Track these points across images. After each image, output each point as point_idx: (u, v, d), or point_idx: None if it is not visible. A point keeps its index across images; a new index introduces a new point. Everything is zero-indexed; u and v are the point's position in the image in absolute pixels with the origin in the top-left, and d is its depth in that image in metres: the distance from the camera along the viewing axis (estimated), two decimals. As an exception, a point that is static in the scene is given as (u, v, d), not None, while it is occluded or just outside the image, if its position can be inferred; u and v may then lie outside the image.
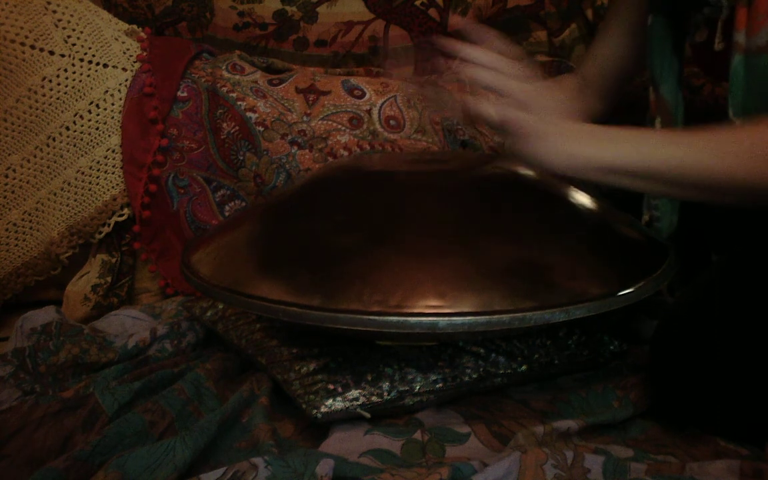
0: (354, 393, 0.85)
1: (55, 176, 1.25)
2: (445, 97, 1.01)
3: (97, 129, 1.25)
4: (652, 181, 0.77)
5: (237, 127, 1.26)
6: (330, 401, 0.84)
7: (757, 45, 0.85)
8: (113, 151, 1.25)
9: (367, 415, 0.84)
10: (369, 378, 0.86)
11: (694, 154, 0.76)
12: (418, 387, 0.87)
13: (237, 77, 1.30)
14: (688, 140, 0.77)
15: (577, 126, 0.81)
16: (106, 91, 1.26)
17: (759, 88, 0.87)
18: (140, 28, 1.33)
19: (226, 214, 1.27)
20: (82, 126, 1.25)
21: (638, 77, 1.08)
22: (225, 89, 1.28)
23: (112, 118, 1.25)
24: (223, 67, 1.31)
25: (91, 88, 1.25)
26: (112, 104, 1.26)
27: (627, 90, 1.05)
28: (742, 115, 0.88)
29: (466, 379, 0.89)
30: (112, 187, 1.26)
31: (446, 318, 0.75)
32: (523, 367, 0.92)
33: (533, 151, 0.76)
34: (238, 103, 1.27)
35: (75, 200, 1.25)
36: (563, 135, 0.77)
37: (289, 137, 1.27)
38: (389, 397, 0.86)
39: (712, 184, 0.76)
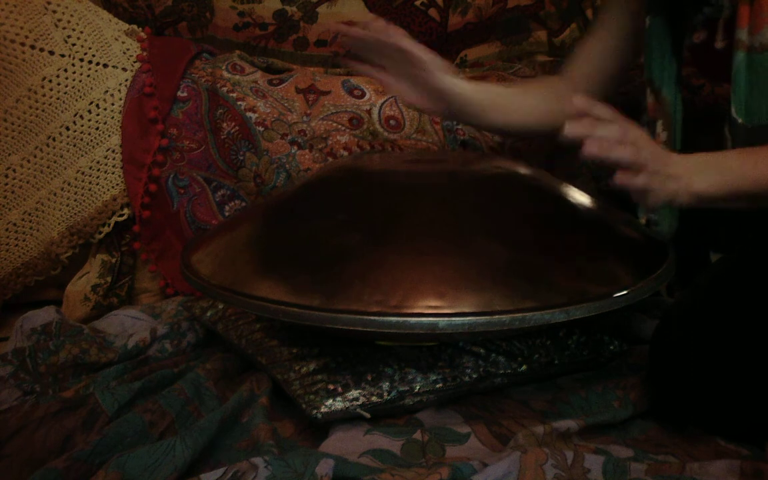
0: (354, 393, 0.85)
1: (55, 176, 1.25)
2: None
3: (97, 129, 1.25)
4: (747, 199, 0.82)
5: (237, 127, 1.26)
6: (330, 401, 0.84)
7: (761, 42, 0.85)
8: (113, 151, 1.25)
9: (367, 415, 0.84)
10: (369, 378, 0.86)
11: None
12: (418, 387, 0.87)
13: (237, 77, 1.30)
14: None
15: (696, 161, 0.84)
16: (106, 91, 1.26)
17: (762, 85, 0.87)
18: (140, 28, 1.33)
19: (226, 214, 1.27)
20: (82, 126, 1.25)
21: (624, 84, 1.08)
22: (225, 89, 1.28)
23: (112, 118, 1.25)
24: (223, 67, 1.31)
25: (91, 88, 1.25)
26: (112, 104, 1.26)
27: (613, 94, 1.05)
28: (745, 112, 0.88)
29: (466, 379, 0.89)
30: (112, 187, 1.25)
31: (446, 318, 0.75)
32: (523, 367, 0.92)
33: (667, 197, 0.81)
34: (238, 103, 1.27)
35: (75, 200, 1.25)
36: (689, 177, 0.81)
37: (289, 137, 1.27)
38: (389, 397, 0.86)
39: None
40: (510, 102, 1.08)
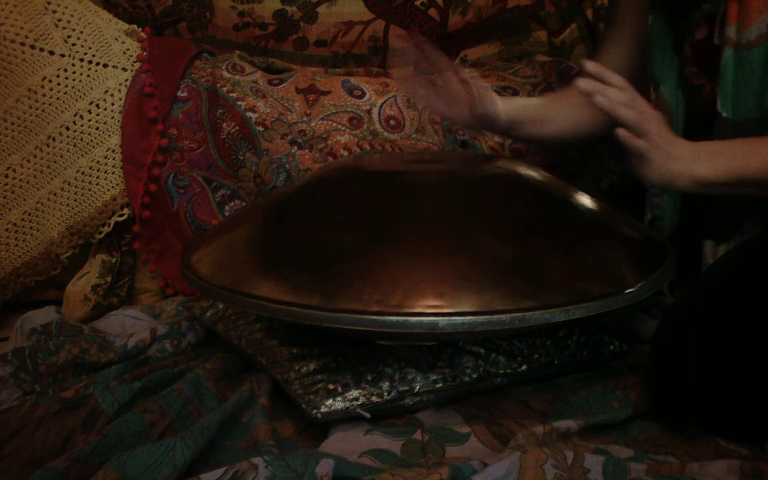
0: (354, 393, 0.85)
1: (55, 176, 1.25)
2: (444, 96, 1.03)
3: (97, 129, 1.25)
4: (748, 186, 0.84)
5: (237, 127, 1.26)
6: (330, 401, 0.84)
7: (748, 39, 0.86)
8: (113, 151, 1.25)
9: (367, 415, 0.84)
10: (369, 378, 0.86)
11: None
12: (418, 387, 0.87)
13: (237, 77, 1.30)
14: None
15: (700, 147, 0.85)
16: (106, 91, 1.26)
17: (748, 82, 0.87)
18: (140, 28, 1.33)
19: (226, 214, 1.27)
20: (82, 126, 1.25)
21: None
22: (225, 89, 1.28)
23: (112, 118, 1.25)
24: (223, 67, 1.31)
25: (91, 88, 1.25)
26: (112, 104, 1.26)
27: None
28: (732, 108, 0.89)
29: (466, 379, 0.89)
30: (112, 187, 1.26)
31: (446, 318, 0.75)
32: (523, 367, 0.92)
33: (668, 176, 0.84)
34: (238, 103, 1.27)
35: (75, 200, 1.25)
36: (692, 161, 0.83)
37: (289, 137, 1.27)
38: (389, 397, 0.86)
39: None
40: (546, 114, 1.11)
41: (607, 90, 0.82)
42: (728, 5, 0.88)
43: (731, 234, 0.95)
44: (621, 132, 0.82)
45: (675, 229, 1.03)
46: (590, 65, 0.85)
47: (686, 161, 0.83)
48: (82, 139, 1.25)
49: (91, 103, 1.25)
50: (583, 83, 0.82)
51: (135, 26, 1.33)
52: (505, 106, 1.05)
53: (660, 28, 1.00)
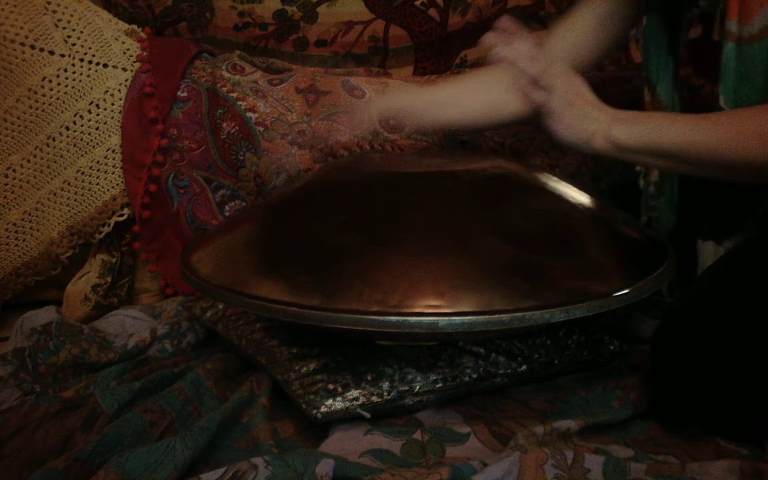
0: (354, 393, 0.85)
1: (55, 176, 1.25)
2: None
3: (97, 129, 1.25)
4: (684, 162, 0.84)
5: (237, 127, 1.27)
6: (330, 401, 0.84)
7: (750, 33, 0.86)
8: (113, 151, 1.25)
9: (367, 415, 0.84)
10: (369, 378, 0.86)
11: (723, 137, 0.82)
12: (418, 387, 0.87)
13: (237, 77, 1.30)
14: (714, 122, 0.84)
15: (620, 112, 0.86)
16: (106, 91, 1.26)
17: (750, 76, 0.87)
18: (140, 28, 1.33)
19: (226, 214, 1.27)
20: (82, 126, 1.25)
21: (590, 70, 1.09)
22: (225, 89, 1.28)
23: (112, 118, 1.25)
24: (223, 67, 1.31)
25: (91, 88, 1.25)
26: (112, 104, 1.26)
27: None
28: (734, 103, 0.89)
29: (466, 379, 0.89)
30: (112, 187, 1.26)
31: (446, 318, 0.75)
32: (523, 367, 0.92)
33: (582, 135, 0.85)
34: (238, 103, 1.27)
35: (75, 200, 1.25)
36: (609, 122, 0.85)
37: (289, 137, 1.27)
38: (389, 397, 0.86)
39: (722, 161, 0.81)
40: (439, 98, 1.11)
41: (512, 40, 0.83)
42: (729, 0, 0.88)
43: (731, 234, 0.95)
44: (524, 86, 0.83)
45: (672, 229, 1.03)
46: (503, 22, 0.86)
47: (603, 123, 0.84)
48: (82, 139, 1.25)
49: (91, 103, 1.25)
50: (488, 37, 0.83)
51: (135, 26, 1.33)
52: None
53: (654, 29, 1.00)
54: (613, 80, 1.31)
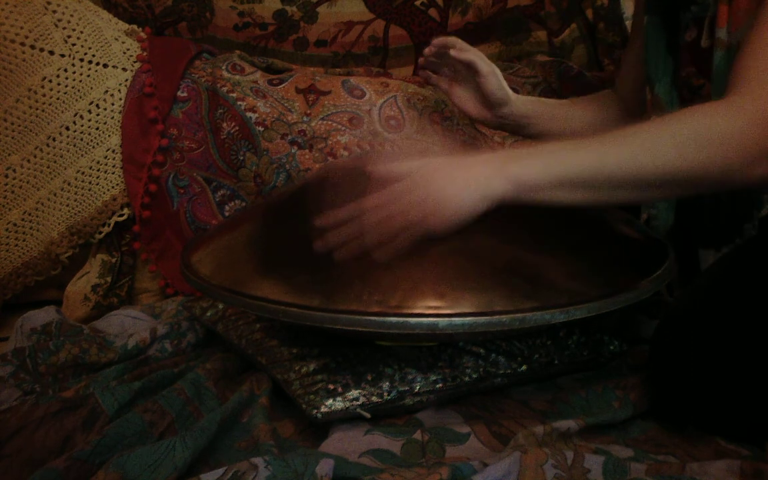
0: (354, 393, 0.85)
1: (55, 176, 1.25)
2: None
3: (97, 129, 1.25)
4: (600, 189, 0.77)
5: (237, 127, 1.27)
6: (330, 401, 0.84)
7: (738, 41, 0.86)
8: (113, 151, 1.25)
9: (367, 415, 0.84)
10: (369, 378, 0.86)
11: (636, 153, 0.75)
12: (418, 387, 0.87)
13: (237, 77, 1.30)
14: (624, 139, 0.76)
15: (515, 150, 0.81)
16: (106, 91, 1.26)
17: None
18: (140, 28, 1.33)
19: (226, 214, 1.27)
20: (82, 126, 1.25)
21: None
22: (225, 89, 1.28)
23: (112, 118, 1.25)
24: (223, 67, 1.31)
25: (91, 88, 1.25)
26: (112, 104, 1.26)
27: None
28: None
29: (466, 379, 0.89)
30: (112, 187, 1.26)
31: (446, 319, 0.75)
32: (523, 368, 0.92)
33: (472, 187, 0.76)
34: (238, 103, 1.27)
35: (75, 200, 1.25)
36: (503, 163, 0.77)
37: (289, 137, 1.27)
38: (389, 397, 0.86)
39: (641, 179, 0.75)
40: (560, 112, 1.14)
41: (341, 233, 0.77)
42: (718, 7, 0.88)
43: (730, 241, 0.95)
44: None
45: (671, 228, 1.03)
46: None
47: (495, 167, 0.76)
48: (82, 139, 1.25)
49: (91, 103, 1.25)
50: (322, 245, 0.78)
51: (135, 26, 1.33)
52: (517, 98, 1.08)
53: (654, 29, 1.00)
54: (613, 80, 1.31)
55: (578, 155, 0.76)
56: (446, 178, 0.77)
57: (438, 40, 1.13)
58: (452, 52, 1.10)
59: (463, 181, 0.76)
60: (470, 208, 0.77)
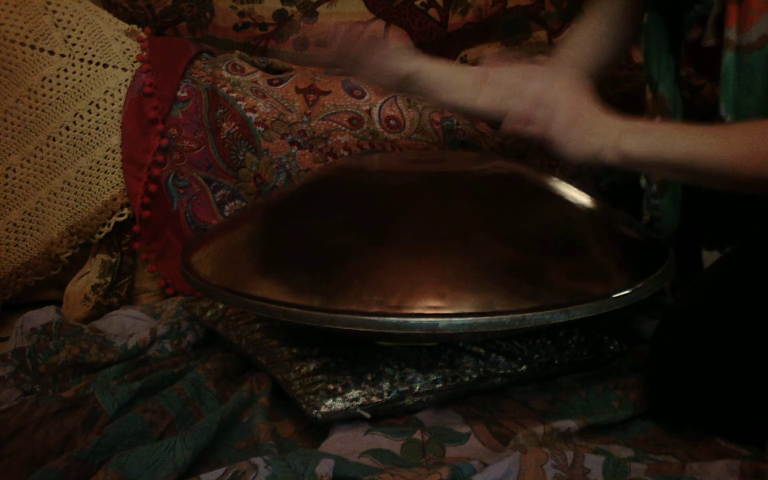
0: (354, 393, 0.85)
1: (55, 176, 1.25)
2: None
3: (97, 129, 1.25)
4: (695, 175, 0.82)
5: (237, 127, 1.26)
6: (330, 401, 0.84)
7: (749, 41, 0.85)
8: (113, 151, 1.25)
9: (367, 415, 0.84)
10: (369, 378, 0.86)
11: (735, 151, 0.80)
12: (418, 387, 0.87)
13: (237, 77, 1.30)
14: (725, 134, 0.83)
15: (629, 122, 0.86)
16: (106, 91, 1.26)
17: (750, 85, 0.87)
18: (140, 28, 1.33)
19: (226, 214, 1.27)
20: (82, 126, 1.25)
21: (610, 71, 1.09)
22: (225, 89, 1.28)
23: (112, 118, 1.25)
24: (223, 67, 1.31)
25: (91, 88, 1.25)
26: (112, 104, 1.26)
27: (602, 83, 1.06)
28: (734, 111, 0.88)
29: (466, 379, 0.89)
30: (112, 187, 1.26)
31: (446, 318, 0.75)
32: (523, 368, 0.92)
33: (591, 151, 0.84)
34: (238, 103, 1.27)
35: (75, 200, 1.25)
36: (618, 135, 0.83)
37: (289, 137, 1.27)
38: (389, 397, 0.86)
39: (735, 177, 0.80)
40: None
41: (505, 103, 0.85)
42: (728, 7, 0.88)
43: (734, 242, 0.95)
44: (505, 129, 0.85)
45: (675, 229, 1.02)
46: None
47: (611, 136, 0.83)
48: (82, 139, 1.25)
49: (91, 103, 1.25)
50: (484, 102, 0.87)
51: (135, 26, 1.33)
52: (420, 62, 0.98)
53: (655, 28, 1.00)
54: (614, 80, 1.31)
55: (684, 143, 0.82)
56: (584, 123, 0.85)
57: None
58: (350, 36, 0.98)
59: (583, 141, 0.85)
60: (583, 158, 0.85)
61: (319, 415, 0.83)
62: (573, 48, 1.07)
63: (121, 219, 1.26)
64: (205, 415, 0.85)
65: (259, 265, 0.87)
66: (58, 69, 1.24)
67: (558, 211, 0.92)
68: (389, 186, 0.92)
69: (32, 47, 1.24)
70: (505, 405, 0.90)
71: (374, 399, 0.85)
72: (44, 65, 1.24)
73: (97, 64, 1.26)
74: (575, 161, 0.86)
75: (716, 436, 0.80)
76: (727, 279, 0.85)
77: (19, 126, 1.24)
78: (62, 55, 1.24)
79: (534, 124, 0.86)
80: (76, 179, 1.25)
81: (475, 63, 1.44)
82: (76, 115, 1.24)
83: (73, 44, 1.25)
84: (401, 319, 0.75)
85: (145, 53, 1.29)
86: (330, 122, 1.28)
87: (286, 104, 1.29)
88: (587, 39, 1.07)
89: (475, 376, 0.89)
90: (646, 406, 0.86)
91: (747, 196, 0.89)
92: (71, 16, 1.26)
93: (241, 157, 1.26)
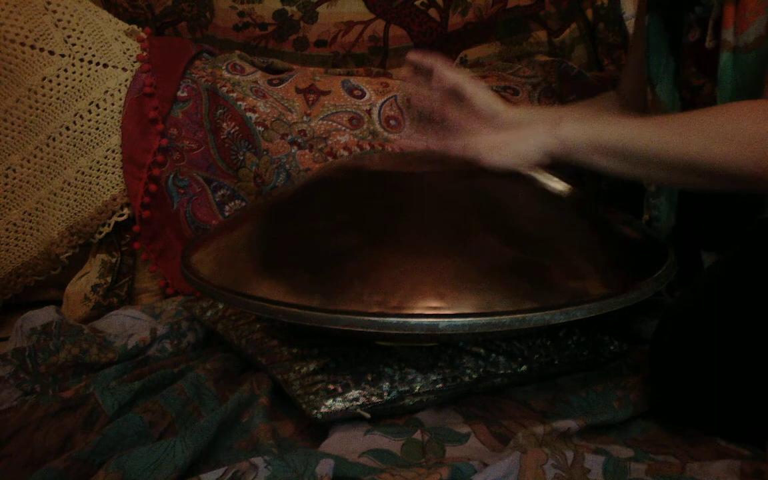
0: (354, 393, 0.85)
1: (55, 176, 1.25)
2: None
3: (97, 129, 1.25)
4: (631, 162, 0.84)
5: (237, 127, 1.27)
6: (330, 401, 0.84)
7: (745, 42, 0.86)
8: (113, 151, 1.25)
9: (367, 415, 0.84)
10: (369, 378, 0.86)
11: (665, 136, 0.83)
12: (418, 387, 0.87)
13: (237, 77, 1.30)
14: (658, 122, 0.86)
15: (567, 111, 0.92)
16: (106, 91, 1.26)
17: (747, 85, 0.87)
18: (140, 28, 1.33)
19: (226, 214, 1.27)
20: (82, 126, 1.25)
21: None
22: (225, 89, 1.28)
23: (112, 118, 1.25)
24: (223, 67, 1.31)
25: (91, 88, 1.25)
26: (112, 104, 1.26)
27: None
28: None
29: (466, 379, 0.89)
30: (112, 187, 1.26)
31: (446, 319, 0.75)
32: (523, 368, 0.92)
33: (535, 147, 0.88)
34: (238, 103, 1.27)
35: (75, 200, 1.25)
36: (555, 123, 0.87)
37: (289, 137, 1.27)
38: (389, 397, 0.86)
39: (666, 160, 0.82)
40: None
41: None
42: (724, 8, 0.88)
43: (732, 243, 0.95)
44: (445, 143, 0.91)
45: (673, 229, 1.03)
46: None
47: (549, 127, 0.87)
48: (82, 139, 1.25)
49: (91, 103, 1.25)
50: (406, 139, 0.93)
51: (135, 26, 1.33)
52: (507, 110, 1.03)
53: (656, 29, 1.00)
54: (614, 80, 1.31)
55: (617, 129, 0.85)
56: (511, 134, 0.91)
57: (413, 58, 1.04)
58: (433, 83, 1.02)
59: (524, 135, 0.90)
60: (528, 156, 0.89)
61: (319, 415, 0.83)
62: (629, 74, 1.14)
63: (121, 219, 1.26)
64: (205, 415, 0.85)
65: (259, 265, 0.87)
66: (58, 69, 1.24)
67: (558, 211, 0.92)
68: (389, 186, 0.92)
69: (32, 47, 1.24)
70: (505, 405, 0.90)
71: (374, 399, 0.85)
72: (44, 65, 1.24)
73: (97, 64, 1.26)
74: (520, 161, 0.89)
75: (716, 436, 0.80)
76: (726, 279, 0.85)
77: (19, 126, 1.24)
78: (62, 55, 1.24)
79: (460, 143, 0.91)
80: (76, 179, 1.25)
81: (465, 66, 1.44)
82: (76, 115, 1.24)
83: (73, 44, 1.25)
84: (401, 320, 0.75)
85: (145, 53, 1.29)
86: (330, 122, 1.28)
87: (286, 104, 1.29)
88: (638, 62, 1.10)
89: (475, 376, 0.89)
90: (646, 406, 0.86)
91: (741, 197, 0.89)
92: (71, 16, 1.26)
93: (241, 157, 1.26)
